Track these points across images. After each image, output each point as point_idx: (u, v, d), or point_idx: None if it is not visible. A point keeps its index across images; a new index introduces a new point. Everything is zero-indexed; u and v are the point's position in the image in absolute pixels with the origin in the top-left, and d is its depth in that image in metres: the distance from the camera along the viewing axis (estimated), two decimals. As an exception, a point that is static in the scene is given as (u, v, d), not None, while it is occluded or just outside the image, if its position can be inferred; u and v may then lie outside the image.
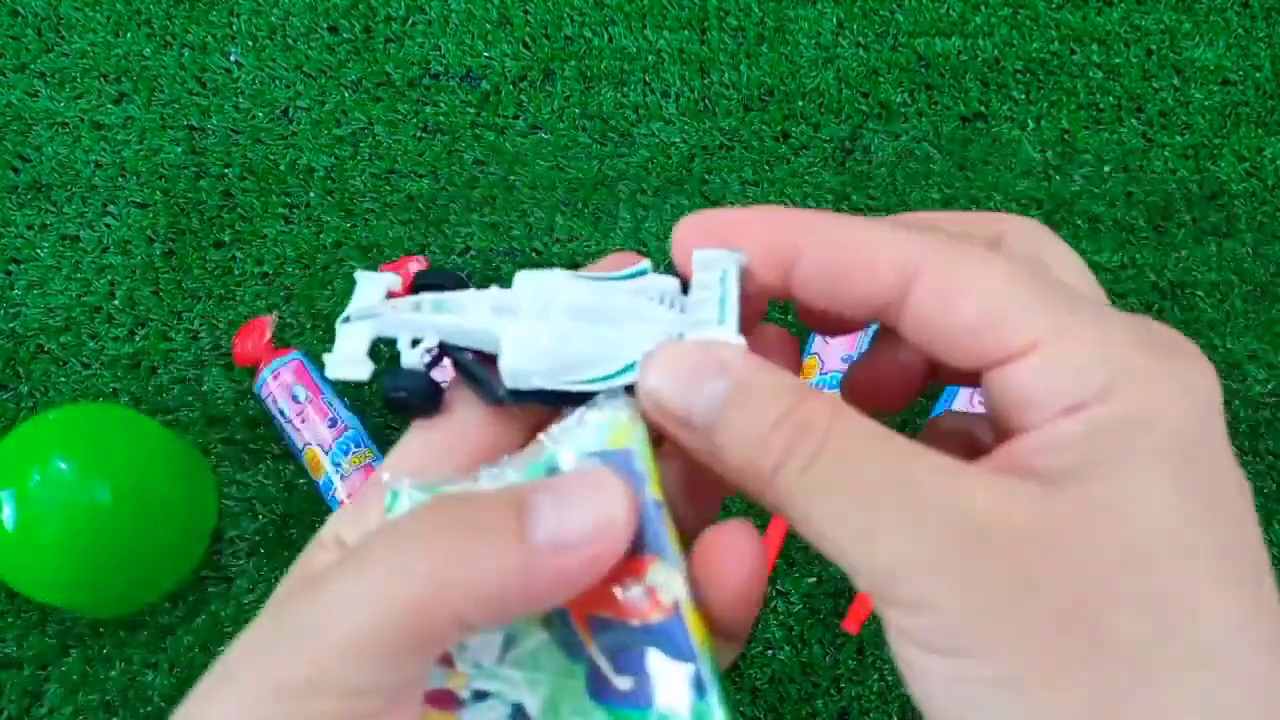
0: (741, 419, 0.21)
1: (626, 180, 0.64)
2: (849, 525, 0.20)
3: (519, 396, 0.25)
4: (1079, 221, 0.65)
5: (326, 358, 0.26)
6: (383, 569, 0.20)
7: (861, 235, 0.23)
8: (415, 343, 0.26)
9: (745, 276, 0.24)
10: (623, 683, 0.22)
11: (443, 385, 0.26)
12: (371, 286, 0.27)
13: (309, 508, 0.58)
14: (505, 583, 0.20)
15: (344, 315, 0.27)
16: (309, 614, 0.20)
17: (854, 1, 0.68)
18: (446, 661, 0.22)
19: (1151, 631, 0.19)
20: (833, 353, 0.58)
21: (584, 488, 0.21)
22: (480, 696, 0.22)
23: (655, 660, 0.21)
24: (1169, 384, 0.21)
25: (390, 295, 0.27)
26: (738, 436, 0.21)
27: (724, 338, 0.23)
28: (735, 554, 0.22)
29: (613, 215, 0.64)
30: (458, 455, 0.25)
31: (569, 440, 0.23)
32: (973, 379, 0.23)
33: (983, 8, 0.68)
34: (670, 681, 0.21)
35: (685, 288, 0.25)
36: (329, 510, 0.58)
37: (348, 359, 0.26)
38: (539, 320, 0.25)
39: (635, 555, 0.22)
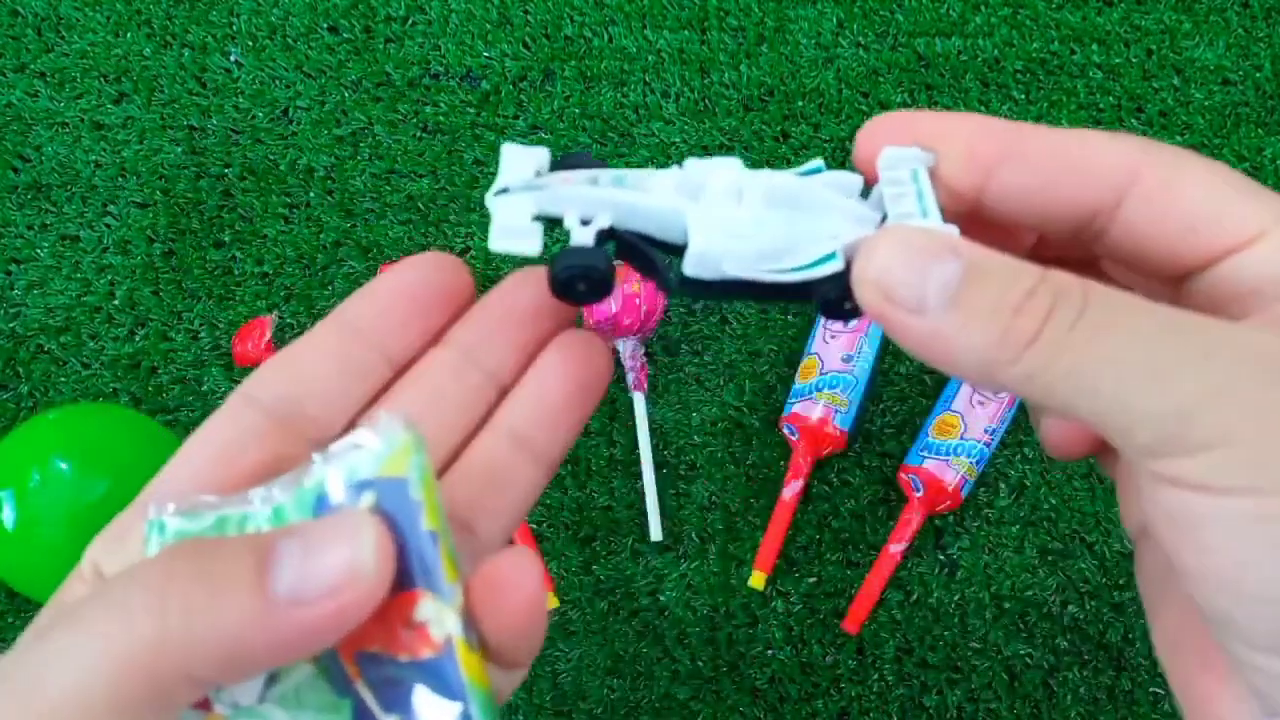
0: (986, 293, 0.20)
1: (626, 180, 0.64)
2: (1135, 367, 0.19)
3: (695, 286, 0.23)
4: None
5: (491, 230, 0.23)
6: (107, 624, 0.19)
7: (1076, 140, 0.23)
8: (585, 222, 0.24)
9: (935, 181, 0.23)
10: None
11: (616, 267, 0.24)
12: (521, 160, 0.25)
13: (309, 508, 0.58)
14: (245, 638, 0.19)
15: (497, 187, 0.24)
16: (37, 662, 0.19)
17: (854, 1, 0.68)
18: (203, 705, 0.21)
19: None
20: (832, 353, 0.58)
21: (334, 534, 0.20)
22: None
23: (422, 698, 0.20)
24: None
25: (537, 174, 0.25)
26: (985, 311, 0.20)
27: (934, 228, 0.22)
28: (514, 583, 0.22)
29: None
30: (235, 469, 0.23)
31: (341, 464, 0.21)
32: (1164, 285, 0.23)
33: (983, 8, 0.68)
34: (432, 712, 0.20)
35: (866, 191, 0.24)
36: (329, 510, 0.58)
37: (515, 230, 0.23)
38: (733, 202, 0.23)
39: (405, 589, 0.20)
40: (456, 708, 0.20)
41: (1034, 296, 0.20)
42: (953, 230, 0.22)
